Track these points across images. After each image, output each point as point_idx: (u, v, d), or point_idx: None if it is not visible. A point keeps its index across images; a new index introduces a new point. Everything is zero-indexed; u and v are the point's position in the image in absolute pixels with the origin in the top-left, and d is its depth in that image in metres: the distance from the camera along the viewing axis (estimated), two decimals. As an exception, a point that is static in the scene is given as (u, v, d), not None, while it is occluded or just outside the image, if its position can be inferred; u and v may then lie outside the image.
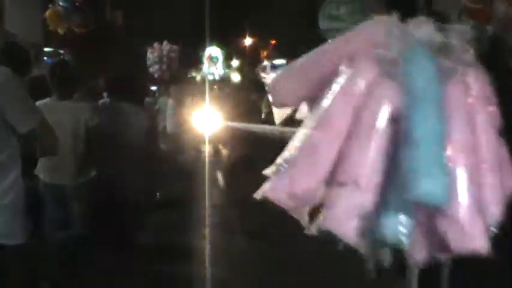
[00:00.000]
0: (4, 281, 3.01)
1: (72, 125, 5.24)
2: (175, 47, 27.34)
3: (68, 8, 23.03)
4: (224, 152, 15.14)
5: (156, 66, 26.94)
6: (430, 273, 2.28)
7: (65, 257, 5.18)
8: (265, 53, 43.13)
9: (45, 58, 25.81)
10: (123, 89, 5.83)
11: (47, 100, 5.34)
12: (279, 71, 2.40)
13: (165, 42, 27.33)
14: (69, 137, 5.22)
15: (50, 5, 22.86)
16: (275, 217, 8.74)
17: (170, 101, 13.64)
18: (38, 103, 5.34)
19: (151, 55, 27.42)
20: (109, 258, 5.63)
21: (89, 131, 5.27)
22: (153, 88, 22.44)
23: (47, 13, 22.47)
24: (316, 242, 6.97)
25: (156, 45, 27.43)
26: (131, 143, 5.65)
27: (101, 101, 6.26)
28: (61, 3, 22.83)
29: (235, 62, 34.73)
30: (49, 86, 5.41)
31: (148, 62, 27.52)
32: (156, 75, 26.59)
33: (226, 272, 6.97)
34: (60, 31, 23.43)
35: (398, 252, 2.30)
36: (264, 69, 39.36)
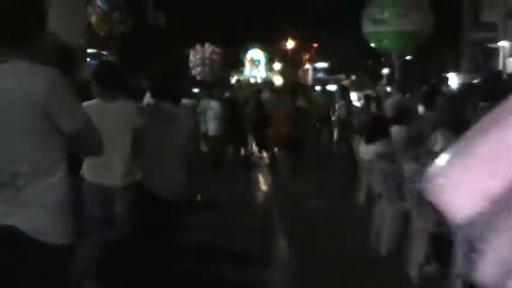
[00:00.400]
0: (48, 280, 3.04)
1: (119, 126, 5.26)
2: (217, 49, 27.40)
3: (106, 9, 23.36)
4: (267, 155, 15.13)
5: (199, 68, 27.05)
6: None
7: (107, 257, 5.22)
8: (307, 56, 43.13)
9: (88, 59, 26.13)
10: (163, 90, 5.85)
11: (93, 101, 5.37)
12: (435, 165, 1.78)
13: (207, 44, 27.42)
14: (117, 138, 5.24)
15: (89, 7, 23.19)
16: (316, 221, 8.74)
17: (212, 103, 13.66)
18: (84, 104, 5.40)
19: (193, 57, 27.53)
20: (150, 259, 5.67)
21: (136, 131, 5.29)
22: (195, 90, 22.53)
23: (93, 19, 22.81)
24: (356, 244, 6.89)
25: (198, 47, 27.54)
26: (174, 144, 5.67)
27: (145, 102, 6.29)
28: (100, 5, 23.17)
29: (277, 65, 34.77)
30: (93, 88, 5.45)
31: (190, 64, 27.64)
32: (198, 77, 26.68)
33: (267, 274, 6.96)
34: (102, 33, 23.75)
35: None
36: (306, 72, 39.40)
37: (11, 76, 2.98)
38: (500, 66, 24.82)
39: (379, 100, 16.08)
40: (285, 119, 11.17)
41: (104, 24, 23.14)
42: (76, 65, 4.92)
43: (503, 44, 25.11)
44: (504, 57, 25.13)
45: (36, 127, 2.98)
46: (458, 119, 6.11)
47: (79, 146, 3.23)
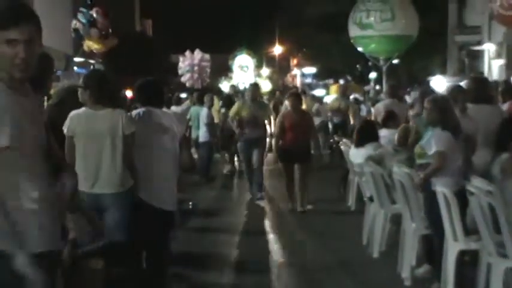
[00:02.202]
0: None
1: (110, 134, 5.28)
2: (206, 56, 27.38)
3: (86, 24, 23.40)
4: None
5: (188, 75, 27.04)
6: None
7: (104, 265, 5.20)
8: (295, 61, 43.16)
9: (75, 68, 26.10)
10: (152, 98, 5.85)
11: (82, 110, 5.39)
12: None
13: (196, 51, 27.41)
14: (106, 146, 5.28)
15: (74, 20, 23.20)
16: (308, 224, 8.70)
17: (204, 110, 13.62)
18: (74, 112, 5.43)
19: (182, 64, 27.53)
20: (143, 266, 5.68)
21: (126, 139, 5.30)
22: (183, 96, 22.43)
23: (86, 42, 22.91)
24: (348, 247, 6.87)
25: (187, 53, 27.52)
26: (167, 152, 5.69)
27: (135, 111, 6.29)
28: (81, 19, 23.23)
29: (265, 71, 34.78)
30: (83, 96, 5.47)
31: (179, 71, 27.63)
32: (187, 84, 26.65)
33: (259, 278, 6.98)
34: (88, 49, 23.72)
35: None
36: (293, 77, 39.49)
37: None
38: (486, 68, 25.01)
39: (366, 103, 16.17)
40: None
41: (88, 40, 23.20)
42: (49, 72, 4.88)
43: (488, 46, 25.29)
44: (489, 59, 25.30)
45: None
46: (448, 120, 6.16)
47: None
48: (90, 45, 22.84)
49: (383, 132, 8.99)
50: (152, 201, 5.51)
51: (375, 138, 8.53)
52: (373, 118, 11.07)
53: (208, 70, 27.88)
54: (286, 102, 11.94)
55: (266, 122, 11.76)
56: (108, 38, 23.64)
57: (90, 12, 23.20)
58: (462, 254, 5.87)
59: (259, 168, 11.54)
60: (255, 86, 12.52)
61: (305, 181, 10.50)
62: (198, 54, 27.37)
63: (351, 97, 18.01)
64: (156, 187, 5.55)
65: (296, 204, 10.39)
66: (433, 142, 6.05)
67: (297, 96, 11.29)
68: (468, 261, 6.07)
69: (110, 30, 23.70)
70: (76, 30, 23.28)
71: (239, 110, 11.72)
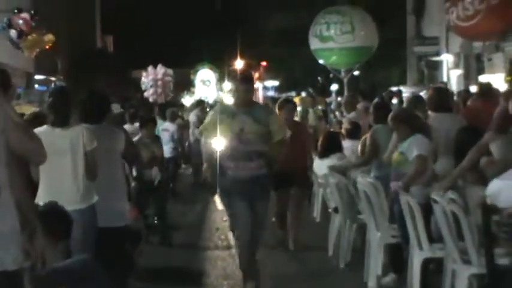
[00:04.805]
0: None
1: (71, 151, 5.27)
2: (169, 71, 27.38)
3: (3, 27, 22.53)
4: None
5: (151, 90, 27.00)
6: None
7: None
8: (256, 75, 43.29)
9: (36, 86, 25.70)
10: (86, 112, 5.81)
11: (45, 127, 5.36)
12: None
13: (159, 66, 27.41)
14: (69, 163, 5.26)
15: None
16: (273, 237, 8.63)
17: (166, 124, 13.48)
18: (35, 130, 5.38)
19: (146, 79, 27.49)
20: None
21: (88, 155, 5.29)
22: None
23: (23, 46, 22.07)
24: (314, 258, 6.87)
25: (150, 68, 27.53)
26: (114, 168, 5.69)
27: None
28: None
29: (227, 85, 34.75)
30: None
31: (143, 86, 27.58)
32: (151, 99, 26.60)
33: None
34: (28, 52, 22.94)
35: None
36: (255, 90, 39.61)
37: None
38: (445, 78, 25.32)
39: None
40: None
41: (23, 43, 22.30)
42: (8, 86, 4.88)
43: (446, 56, 25.62)
44: (448, 69, 25.63)
45: None
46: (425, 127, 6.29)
47: None
48: (28, 45, 21.75)
49: (346, 143, 9.05)
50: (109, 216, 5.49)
51: (338, 149, 8.58)
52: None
53: (171, 85, 27.87)
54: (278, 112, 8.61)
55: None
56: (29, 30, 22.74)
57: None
58: (427, 261, 5.92)
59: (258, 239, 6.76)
60: (249, 77, 6.96)
61: (301, 210, 8.82)
62: (160, 69, 27.36)
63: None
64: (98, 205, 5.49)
65: (288, 238, 8.60)
66: (414, 147, 6.12)
67: (291, 103, 9.04)
68: (433, 269, 6.13)
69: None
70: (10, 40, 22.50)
71: (213, 121, 6.62)
